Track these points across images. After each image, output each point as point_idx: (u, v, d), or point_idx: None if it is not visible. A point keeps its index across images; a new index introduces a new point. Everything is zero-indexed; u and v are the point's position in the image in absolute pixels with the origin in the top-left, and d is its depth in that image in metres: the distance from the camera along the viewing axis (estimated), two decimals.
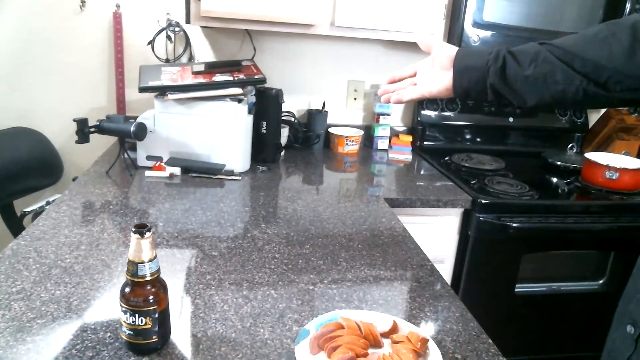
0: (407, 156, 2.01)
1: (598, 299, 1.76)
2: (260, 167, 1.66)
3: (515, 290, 1.66)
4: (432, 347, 0.75)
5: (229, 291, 0.91)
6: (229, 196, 1.40)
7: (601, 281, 1.77)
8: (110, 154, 1.72)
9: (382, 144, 2.08)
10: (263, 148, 1.71)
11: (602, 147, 2.16)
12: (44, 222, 1.16)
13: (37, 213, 1.67)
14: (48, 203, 1.68)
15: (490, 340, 0.82)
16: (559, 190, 1.77)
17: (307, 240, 1.15)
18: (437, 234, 1.60)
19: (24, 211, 1.70)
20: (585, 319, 1.77)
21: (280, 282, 0.95)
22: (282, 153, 1.86)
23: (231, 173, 1.55)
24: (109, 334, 0.77)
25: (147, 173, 1.52)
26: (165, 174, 1.52)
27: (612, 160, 1.75)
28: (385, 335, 0.79)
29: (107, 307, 0.85)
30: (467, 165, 1.88)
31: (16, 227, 1.80)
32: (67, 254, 1.01)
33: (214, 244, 1.10)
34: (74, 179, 1.56)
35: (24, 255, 1.00)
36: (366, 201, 1.44)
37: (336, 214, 1.32)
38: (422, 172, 1.83)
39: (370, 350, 0.75)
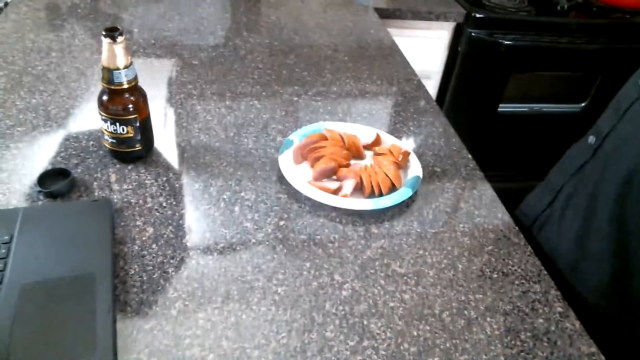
0: None
1: (578, 120, 1.80)
2: None
3: (499, 109, 1.68)
4: (413, 159, 0.77)
5: (212, 101, 0.90)
6: (207, 1, 1.29)
7: (583, 104, 1.79)
8: None
9: None
10: None
11: None
12: (3, 24, 1.07)
13: None
14: (5, 4, 1.54)
15: (469, 156, 0.84)
16: (558, 7, 1.68)
17: (290, 51, 1.09)
18: (426, 48, 1.55)
19: None
20: (564, 141, 1.83)
21: (263, 93, 0.93)
22: None
23: None
24: (92, 142, 0.77)
25: None
26: None
27: None
28: (368, 147, 0.80)
29: (87, 116, 0.83)
30: None
31: None
32: (38, 61, 0.96)
33: (194, 53, 1.05)
34: None
35: None
36: (354, 11, 1.35)
37: (321, 23, 1.25)
38: None
39: (352, 162, 0.77)
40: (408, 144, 0.85)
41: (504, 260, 0.65)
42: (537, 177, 0.87)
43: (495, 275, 0.63)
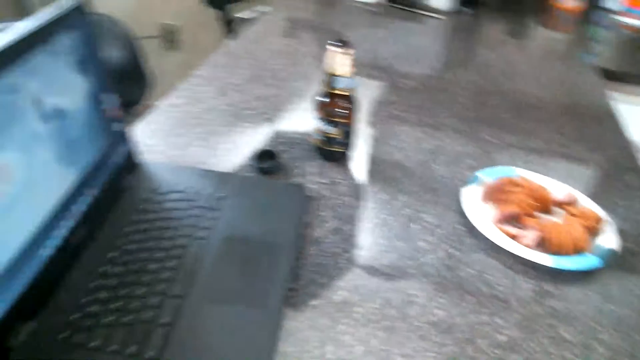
0: None
1: None
2: (465, 9, 1.55)
3: None
4: (610, 231, 0.71)
5: (411, 124, 0.95)
6: (427, 33, 1.36)
7: None
8: None
9: (613, 3, 1.76)
10: None
11: None
12: (256, 28, 1.27)
13: (245, 20, 1.82)
14: (258, 12, 1.81)
15: None
16: None
17: (496, 92, 1.10)
18: None
19: (235, 16, 1.86)
20: None
21: (462, 127, 0.95)
22: None
23: (435, 10, 1.48)
24: (300, 136, 0.88)
25: None
26: (372, 0, 1.51)
27: None
28: (558, 204, 0.77)
29: (302, 113, 0.94)
30: None
31: (230, 30, 2.01)
32: (275, 60, 1.12)
33: (404, 77, 1.11)
34: None
35: (240, 55, 1.12)
36: (573, 65, 1.29)
37: (534, 71, 1.22)
38: None
39: (539, 214, 0.74)
40: (607, 214, 0.79)
41: None
42: None
43: None
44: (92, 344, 0.51)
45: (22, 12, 2.41)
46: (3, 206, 0.48)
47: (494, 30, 1.48)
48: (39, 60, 0.52)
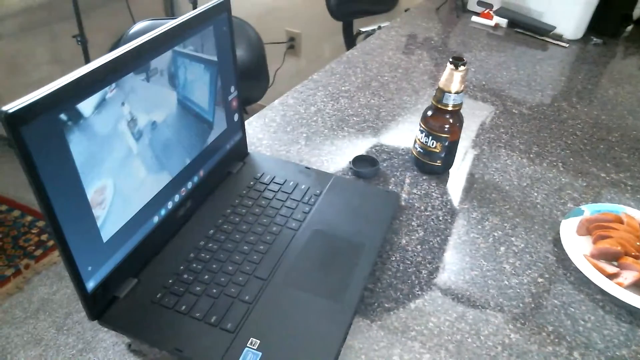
0: None
1: None
2: (595, 39, 1.47)
3: None
4: None
5: (517, 149, 0.93)
6: (548, 61, 1.31)
7: None
8: None
9: None
10: (605, 16, 1.49)
11: None
12: (374, 41, 1.31)
13: (368, 34, 1.88)
14: (379, 27, 1.86)
15: None
16: None
17: (617, 129, 1.03)
18: None
19: (360, 30, 1.93)
20: None
21: (571, 159, 0.92)
22: (630, 28, 1.58)
23: (559, 37, 1.43)
24: (402, 147, 0.90)
25: (474, 18, 1.52)
26: (491, 22, 1.49)
27: None
28: None
29: (406, 126, 0.97)
30: None
31: (351, 42, 2.08)
32: (386, 73, 1.15)
33: (517, 103, 1.09)
34: (406, 10, 1.67)
35: (354, 64, 1.18)
36: None
37: None
38: None
39: None
40: None
41: None
42: None
43: None
44: (180, 308, 0.57)
45: (172, 10, 2.69)
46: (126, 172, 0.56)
47: (625, 63, 1.39)
48: (188, 46, 0.61)
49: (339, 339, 0.56)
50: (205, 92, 0.69)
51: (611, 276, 0.65)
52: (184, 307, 0.57)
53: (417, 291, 0.63)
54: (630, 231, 0.71)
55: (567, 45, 1.41)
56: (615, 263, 0.68)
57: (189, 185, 0.69)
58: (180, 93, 0.63)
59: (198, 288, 0.60)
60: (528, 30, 1.46)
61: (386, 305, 0.61)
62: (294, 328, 0.56)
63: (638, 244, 0.70)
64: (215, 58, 0.69)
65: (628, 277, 0.65)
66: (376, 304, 0.61)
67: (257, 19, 1.96)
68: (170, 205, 0.66)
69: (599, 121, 1.05)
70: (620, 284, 0.64)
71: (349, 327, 0.58)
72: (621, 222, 0.72)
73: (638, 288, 0.64)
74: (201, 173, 0.72)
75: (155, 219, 0.63)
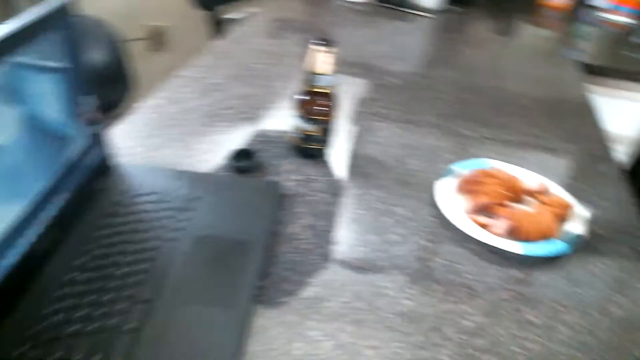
0: (627, 19, 1.69)
1: None
2: (455, 8, 1.55)
3: None
4: (578, 218, 0.72)
5: (390, 121, 0.96)
6: (414, 33, 1.36)
7: None
8: None
9: (599, 1, 1.76)
10: None
11: None
12: (242, 29, 1.28)
13: (234, 21, 1.84)
14: (247, 14, 1.82)
15: None
16: None
17: (478, 90, 1.10)
18: (625, 111, 1.39)
19: (225, 17, 1.88)
20: None
21: (440, 122, 0.96)
22: None
23: (424, 9, 1.49)
24: (277, 135, 0.89)
25: None
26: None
27: None
28: (530, 193, 0.77)
29: (279, 112, 0.95)
30: None
31: (219, 32, 2.02)
32: (257, 60, 1.13)
33: (388, 76, 1.12)
34: None
35: (223, 55, 1.14)
36: (556, 62, 1.30)
37: (516, 70, 1.23)
38: None
39: (510, 204, 0.75)
40: (577, 202, 0.80)
41: None
42: None
43: None
44: (52, 357, 0.50)
45: (9, 12, 2.42)
46: None
47: (481, 28, 1.49)
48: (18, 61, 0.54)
49: (235, 348, 0.53)
50: (55, 105, 0.62)
51: (487, 227, 0.70)
52: (58, 355, 0.50)
53: (310, 279, 0.63)
54: (498, 182, 0.76)
55: (432, 16, 1.47)
56: (490, 215, 0.72)
57: (45, 215, 0.61)
58: (25, 110, 0.56)
59: (73, 328, 0.52)
60: (395, 5, 1.50)
61: (280, 300, 0.60)
62: (187, 346, 0.52)
63: (504, 192, 0.75)
64: (62, 65, 0.62)
65: (501, 225, 0.69)
66: (270, 301, 0.60)
67: (114, 17, 1.83)
68: (25, 241, 0.57)
69: (461, 84, 1.12)
70: (495, 233, 0.68)
71: (245, 332, 0.55)
72: (490, 175, 0.77)
73: (511, 234, 0.69)
74: (59, 199, 0.64)
75: (7, 261, 0.55)
